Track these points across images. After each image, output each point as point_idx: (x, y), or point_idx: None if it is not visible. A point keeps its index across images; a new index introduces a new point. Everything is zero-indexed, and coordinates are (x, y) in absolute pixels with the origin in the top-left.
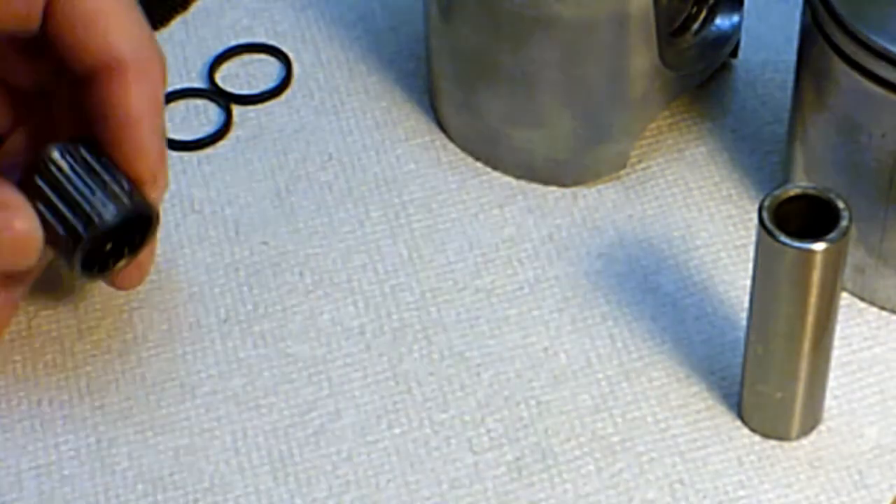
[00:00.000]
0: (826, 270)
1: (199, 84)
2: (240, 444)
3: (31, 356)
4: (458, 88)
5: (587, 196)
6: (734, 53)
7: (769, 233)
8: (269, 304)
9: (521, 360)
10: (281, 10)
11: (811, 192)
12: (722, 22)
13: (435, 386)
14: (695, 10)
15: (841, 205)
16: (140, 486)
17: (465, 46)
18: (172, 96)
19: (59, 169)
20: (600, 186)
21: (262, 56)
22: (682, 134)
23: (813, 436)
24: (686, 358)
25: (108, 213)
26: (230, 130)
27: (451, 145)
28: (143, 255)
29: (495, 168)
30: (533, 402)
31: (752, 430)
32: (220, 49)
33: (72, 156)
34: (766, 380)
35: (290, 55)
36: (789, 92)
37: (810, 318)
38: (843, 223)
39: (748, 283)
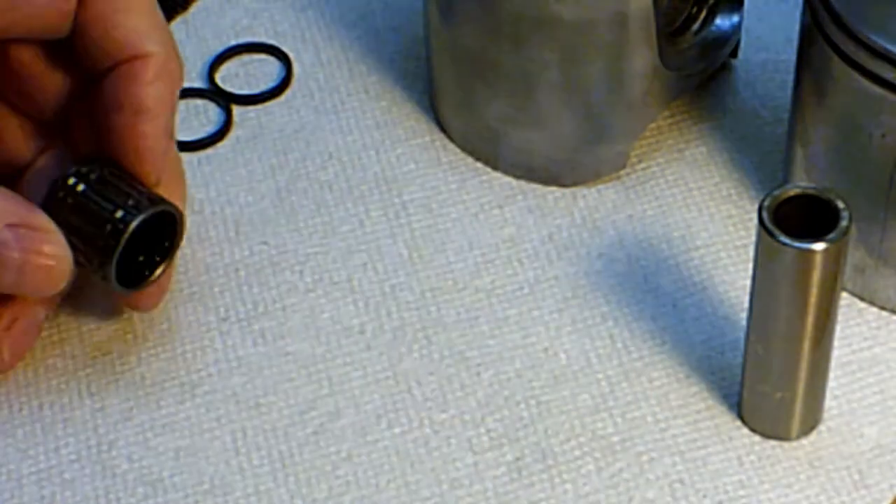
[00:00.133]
0: (826, 270)
1: (199, 84)
2: (240, 444)
3: (31, 360)
4: (458, 88)
5: (587, 196)
6: (734, 53)
7: (769, 233)
8: (269, 304)
9: (521, 360)
10: (281, 10)
11: (811, 192)
12: (722, 22)
13: (435, 386)
14: (695, 10)
15: (841, 205)
16: (140, 489)
17: (465, 46)
18: None
19: (77, 190)
20: (600, 186)
21: (262, 56)
22: (682, 134)
23: (813, 436)
24: (686, 358)
25: (132, 217)
26: (230, 130)
27: (451, 145)
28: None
29: (495, 168)
30: (533, 402)
31: (752, 430)
32: (220, 49)
33: (87, 175)
34: (766, 380)
35: (290, 55)
36: (789, 92)
37: (810, 318)
38: (843, 223)
39: (748, 283)
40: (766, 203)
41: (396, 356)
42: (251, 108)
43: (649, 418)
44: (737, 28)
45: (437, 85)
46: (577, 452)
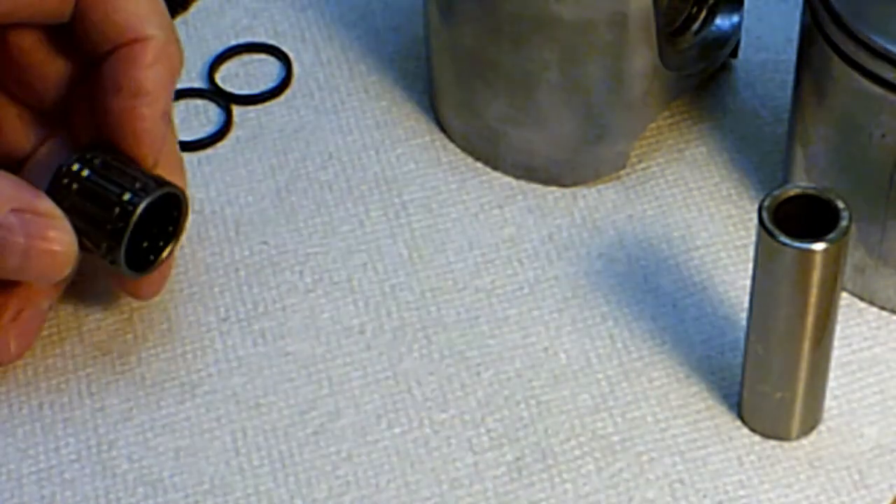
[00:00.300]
0: (826, 270)
1: (199, 84)
2: (240, 445)
3: (31, 360)
4: (458, 88)
5: (587, 196)
6: (734, 53)
7: (769, 233)
8: (269, 304)
9: (521, 359)
10: (281, 10)
11: (811, 192)
12: (722, 22)
13: (435, 385)
14: (695, 10)
15: (841, 205)
16: (140, 489)
17: (465, 46)
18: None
19: (82, 175)
20: (600, 186)
21: (262, 56)
22: (682, 134)
23: (813, 436)
24: (686, 358)
25: (140, 199)
26: (230, 130)
27: (451, 145)
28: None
29: (495, 168)
30: (533, 402)
31: (752, 430)
32: (220, 49)
33: (91, 161)
34: (766, 380)
35: (290, 55)
36: (789, 92)
37: (810, 318)
38: (843, 223)
39: (748, 283)
40: (766, 203)
41: (396, 356)
42: (251, 108)
43: (649, 418)
44: (737, 28)
45: (437, 85)
46: (577, 452)
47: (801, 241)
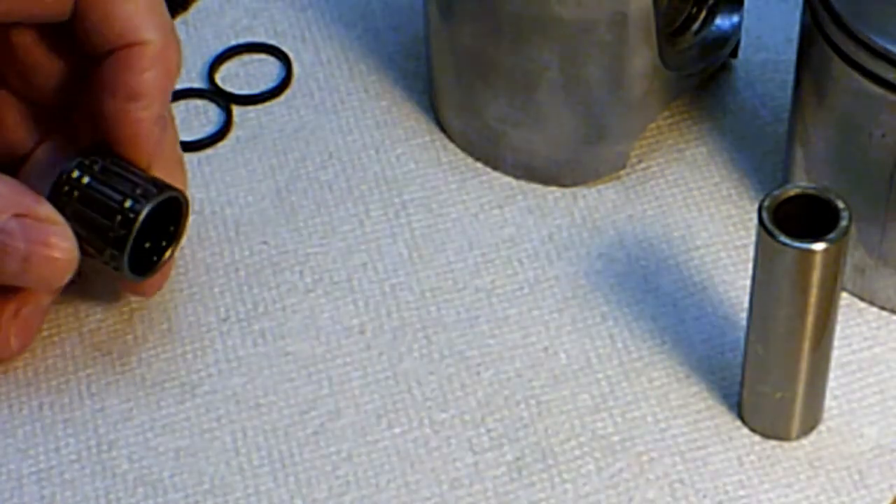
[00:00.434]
0: (826, 270)
1: (199, 84)
2: (240, 445)
3: (31, 360)
4: (458, 88)
5: (587, 196)
6: (734, 53)
7: (769, 233)
8: (269, 304)
9: (521, 359)
10: (281, 10)
11: (811, 192)
12: (722, 22)
13: (435, 385)
14: (695, 10)
15: (841, 205)
16: (140, 489)
17: (465, 46)
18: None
19: (83, 182)
20: (600, 186)
21: (262, 56)
22: (682, 134)
23: (813, 436)
24: (686, 358)
25: (142, 206)
26: (230, 130)
27: (451, 145)
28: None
29: (495, 168)
30: (533, 402)
31: (752, 430)
32: (220, 49)
33: (91, 167)
34: (766, 380)
35: (290, 55)
36: (789, 92)
37: (810, 318)
38: (843, 223)
39: (748, 283)
40: (766, 203)
41: (396, 356)
42: (251, 108)
43: (649, 418)
44: (737, 28)
45: (437, 85)
46: (577, 452)
47: (801, 241)
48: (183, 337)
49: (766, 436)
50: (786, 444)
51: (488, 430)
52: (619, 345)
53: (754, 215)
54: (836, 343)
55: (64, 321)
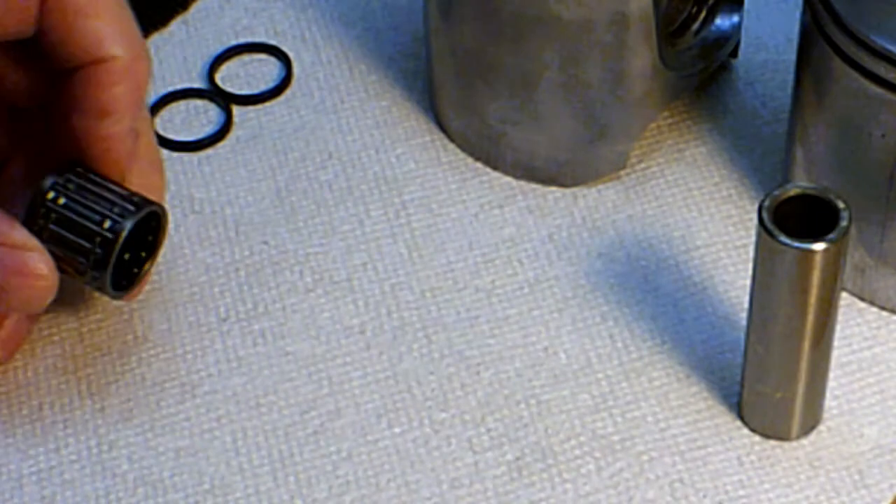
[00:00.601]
0: (826, 270)
1: (199, 84)
2: (240, 444)
3: (31, 360)
4: (458, 88)
5: (587, 196)
6: (734, 53)
7: (769, 233)
8: (269, 303)
9: (521, 359)
10: (281, 10)
11: (811, 192)
12: (722, 22)
13: (435, 385)
14: (695, 10)
15: (841, 205)
16: (141, 490)
17: (465, 46)
18: (172, 96)
19: (59, 204)
20: (600, 186)
21: (262, 56)
22: (682, 134)
23: (813, 436)
24: (686, 358)
25: (120, 226)
26: (230, 130)
27: (451, 145)
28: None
29: (495, 168)
30: (533, 402)
31: (752, 430)
32: (220, 49)
33: (66, 186)
34: (766, 380)
35: (290, 55)
36: (789, 92)
37: (810, 318)
38: (843, 223)
39: (748, 283)
40: (766, 203)
41: (396, 356)
42: (251, 108)
43: (649, 418)
44: (737, 28)
45: (437, 85)
46: (577, 452)
47: (801, 241)
48: (183, 337)
49: (766, 436)
50: (786, 444)
51: (488, 430)
52: (619, 345)
53: (754, 215)
54: (836, 343)
55: (64, 321)
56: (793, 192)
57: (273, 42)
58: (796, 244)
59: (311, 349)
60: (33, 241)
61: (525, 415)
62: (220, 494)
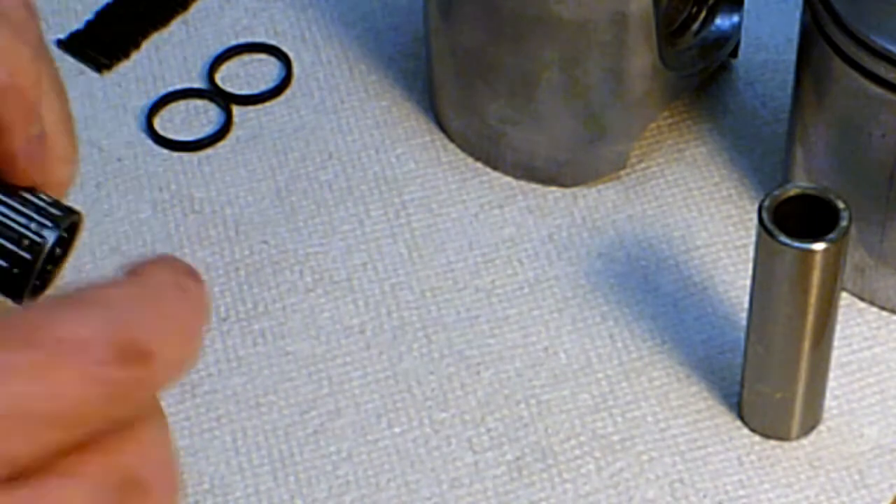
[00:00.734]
0: (826, 270)
1: (199, 84)
2: (240, 444)
3: None
4: (458, 88)
5: (587, 196)
6: (734, 53)
7: (769, 233)
8: (269, 303)
9: (521, 359)
10: (281, 10)
11: (811, 192)
12: (722, 22)
13: (435, 385)
14: (695, 10)
15: (841, 205)
16: None
17: (465, 46)
18: (172, 96)
19: None
20: (600, 186)
21: (262, 56)
22: (682, 134)
23: (813, 436)
24: (686, 358)
25: (47, 232)
26: (230, 130)
27: (451, 145)
28: None
29: (495, 168)
30: (533, 402)
31: (752, 430)
32: (220, 49)
33: None
34: (766, 380)
35: (290, 55)
36: (789, 92)
37: (810, 318)
38: (843, 223)
39: (748, 283)
40: (766, 203)
41: (396, 356)
42: (251, 108)
43: (649, 418)
44: (737, 28)
45: (437, 85)
46: (577, 452)
47: (801, 241)
48: None
49: (766, 436)
50: (786, 444)
51: (488, 430)
52: (619, 345)
53: (754, 215)
54: (836, 343)
55: None
56: (793, 192)
57: (273, 42)
58: (796, 244)
59: (311, 349)
60: None
61: (525, 415)
62: (220, 494)
